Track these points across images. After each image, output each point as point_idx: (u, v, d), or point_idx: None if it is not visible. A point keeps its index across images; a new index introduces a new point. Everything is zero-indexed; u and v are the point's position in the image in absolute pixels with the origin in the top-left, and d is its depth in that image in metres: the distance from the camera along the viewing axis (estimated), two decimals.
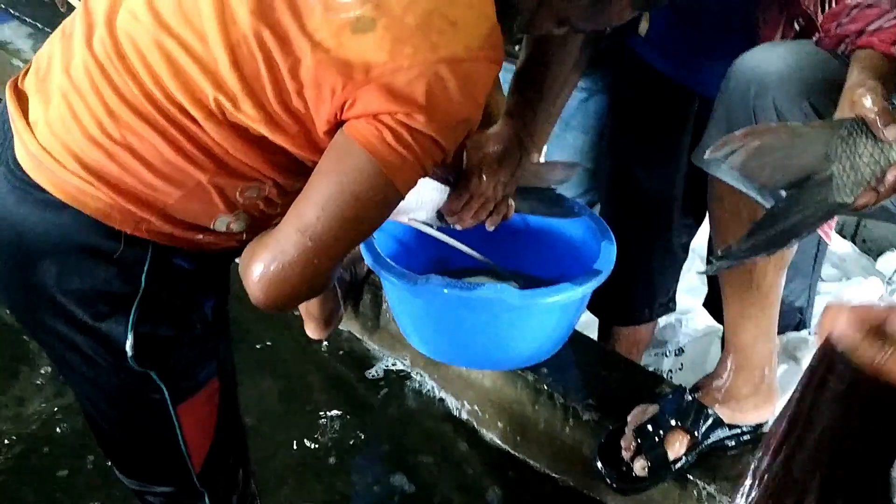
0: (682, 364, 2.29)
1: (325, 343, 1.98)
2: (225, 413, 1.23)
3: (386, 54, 0.95)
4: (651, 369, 2.28)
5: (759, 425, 1.56)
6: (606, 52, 1.78)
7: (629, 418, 1.54)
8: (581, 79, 1.91)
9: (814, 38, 1.22)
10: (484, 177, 1.35)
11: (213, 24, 0.98)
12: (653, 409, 1.54)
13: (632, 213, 1.83)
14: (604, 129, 1.92)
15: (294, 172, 1.07)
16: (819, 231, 1.51)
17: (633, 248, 1.79)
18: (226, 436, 1.25)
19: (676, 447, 1.50)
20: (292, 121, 1.01)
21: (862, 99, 1.02)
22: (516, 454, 1.83)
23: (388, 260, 1.49)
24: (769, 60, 1.21)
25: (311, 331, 1.91)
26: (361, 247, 1.55)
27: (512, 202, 1.45)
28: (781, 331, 1.86)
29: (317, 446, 1.87)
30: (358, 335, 2.12)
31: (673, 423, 1.50)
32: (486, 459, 1.84)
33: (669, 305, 2.04)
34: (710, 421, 1.50)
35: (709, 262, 1.15)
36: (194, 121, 1.01)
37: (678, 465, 1.50)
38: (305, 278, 1.00)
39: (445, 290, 1.42)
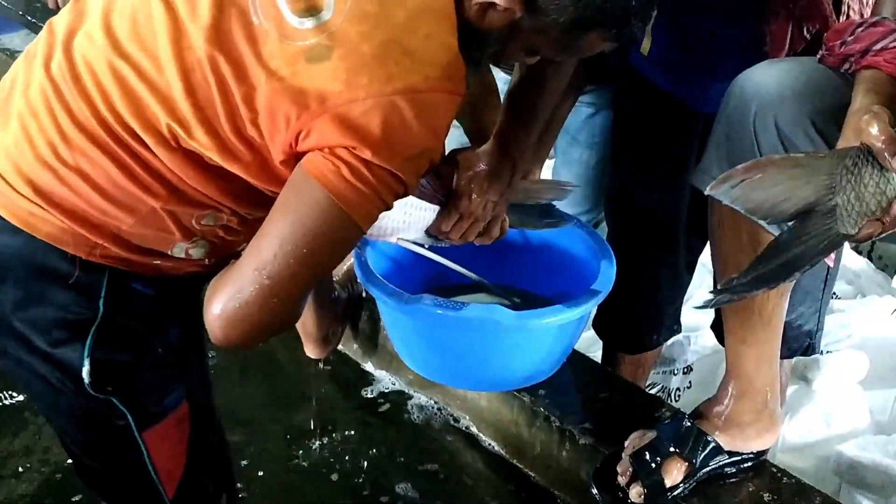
0: (690, 382, 2.25)
1: (322, 361, 1.95)
2: (199, 438, 1.20)
3: (341, 84, 0.92)
4: (659, 387, 2.25)
5: (761, 452, 1.51)
6: (614, 68, 1.74)
7: (626, 443, 1.50)
8: (588, 94, 1.89)
9: (818, 56, 1.17)
10: (473, 196, 1.32)
11: (167, 48, 0.96)
12: (651, 434, 1.49)
13: (635, 232, 1.80)
14: (608, 145, 1.88)
15: (252, 202, 1.05)
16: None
17: (638, 269, 1.76)
18: (202, 461, 1.22)
19: (674, 474, 1.45)
20: (247, 149, 0.98)
21: (868, 126, 0.97)
22: (516, 472, 1.79)
23: (380, 278, 1.46)
24: (771, 79, 1.16)
25: (310, 350, 1.88)
26: (355, 264, 1.52)
27: (506, 220, 1.42)
28: (790, 355, 1.82)
29: (310, 464, 1.84)
30: (356, 353, 2.09)
31: (671, 449, 1.46)
32: (484, 477, 1.80)
33: (675, 328, 2.00)
34: (709, 448, 1.45)
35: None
36: (146, 146, 0.98)
37: (675, 492, 1.45)
38: (264, 318, 0.98)
39: (438, 311, 1.39)
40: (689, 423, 1.47)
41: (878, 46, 1.09)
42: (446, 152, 1.32)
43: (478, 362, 1.52)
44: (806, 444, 2.02)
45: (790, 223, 1.03)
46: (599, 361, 2.02)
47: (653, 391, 2.20)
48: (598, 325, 1.99)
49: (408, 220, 1.32)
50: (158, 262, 1.07)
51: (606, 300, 1.94)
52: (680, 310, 2.01)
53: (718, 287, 1.05)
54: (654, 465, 1.45)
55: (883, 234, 1.01)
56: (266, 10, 0.95)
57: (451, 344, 1.50)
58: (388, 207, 0.99)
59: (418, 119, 0.94)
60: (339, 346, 1.99)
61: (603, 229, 1.99)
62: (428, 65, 0.95)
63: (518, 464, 1.78)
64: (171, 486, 1.19)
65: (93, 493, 1.25)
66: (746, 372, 1.42)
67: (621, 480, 1.46)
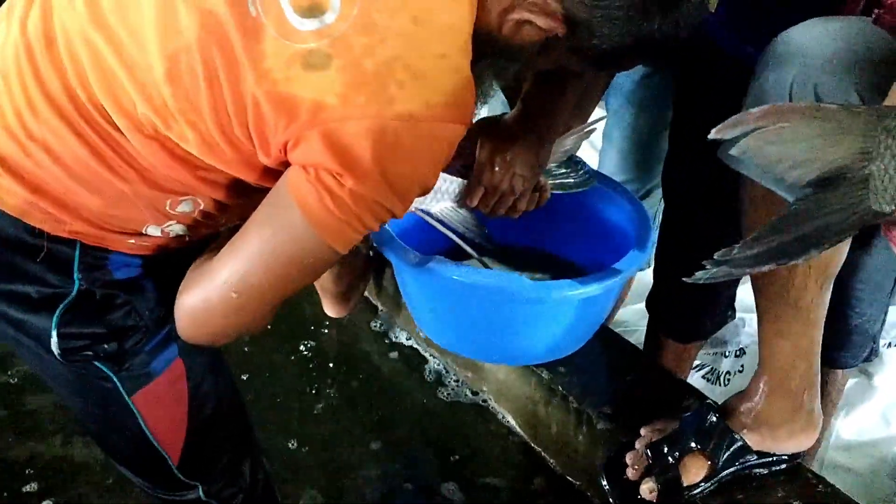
0: (742, 366, 2.12)
1: (342, 319, 1.89)
2: (200, 398, 1.14)
3: (336, 98, 0.82)
4: (708, 368, 2.12)
5: (796, 455, 1.37)
6: None
7: (641, 432, 1.39)
8: None
9: (872, 16, 1.02)
10: (497, 169, 1.22)
11: (152, 28, 0.86)
12: (672, 426, 1.38)
13: (692, 206, 1.65)
14: (666, 108, 1.74)
15: (232, 191, 0.98)
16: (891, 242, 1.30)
17: (695, 246, 1.62)
18: (209, 424, 1.16)
19: (692, 473, 1.33)
20: (229, 147, 0.90)
21: None
22: (530, 451, 1.72)
23: (395, 236, 1.37)
24: (815, 41, 1.01)
25: (329, 308, 1.80)
26: None
27: (546, 191, 1.33)
28: (854, 364, 1.67)
29: (319, 422, 1.82)
30: (375, 311, 2.04)
31: (692, 445, 1.34)
32: (496, 452, 1.73)
33: (728, 315, 1.85)
34: (734, 447, 1.32)
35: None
36: (118, 129, 0.90)
37: (693, 492, 1.33)
38: (228, 326, 0.95)
39: (454, 277, 1.29)
40: (714, 419, 1.34)
41: None
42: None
43: (492, 333, 1.42)
44: (861, 443, 1.91)
45: (810, 191, 0.88)
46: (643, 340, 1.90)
47: (700, 373, 2.08)
48: (649, 303, 1.87)
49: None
50: (133, 241, 1.01)
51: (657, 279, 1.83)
52: (735, 294, 1.86)
53: (716, 257, 0.88)
54: (671, 460, 1.34)
55: None
56: (266, 4, 0.85)
57: (464, 312, 1.40)
58: (374, 230, 0.91)
59: (414, 149, 0.85)
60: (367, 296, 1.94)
61: (655, 196, 1.87)
62: (433, 90, 0.84)
63: (532, 443, 1.70)
64: (175, 451, 1.15)
65: (110, 458, 1.23)
66: (781, 368, 1.29)
67: (630, 474, 1.36)
